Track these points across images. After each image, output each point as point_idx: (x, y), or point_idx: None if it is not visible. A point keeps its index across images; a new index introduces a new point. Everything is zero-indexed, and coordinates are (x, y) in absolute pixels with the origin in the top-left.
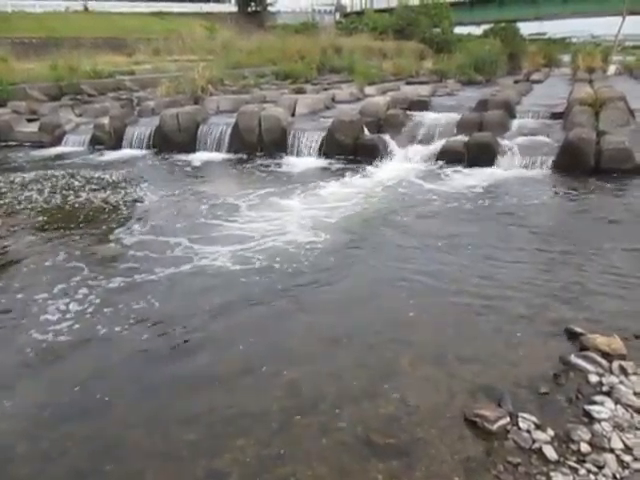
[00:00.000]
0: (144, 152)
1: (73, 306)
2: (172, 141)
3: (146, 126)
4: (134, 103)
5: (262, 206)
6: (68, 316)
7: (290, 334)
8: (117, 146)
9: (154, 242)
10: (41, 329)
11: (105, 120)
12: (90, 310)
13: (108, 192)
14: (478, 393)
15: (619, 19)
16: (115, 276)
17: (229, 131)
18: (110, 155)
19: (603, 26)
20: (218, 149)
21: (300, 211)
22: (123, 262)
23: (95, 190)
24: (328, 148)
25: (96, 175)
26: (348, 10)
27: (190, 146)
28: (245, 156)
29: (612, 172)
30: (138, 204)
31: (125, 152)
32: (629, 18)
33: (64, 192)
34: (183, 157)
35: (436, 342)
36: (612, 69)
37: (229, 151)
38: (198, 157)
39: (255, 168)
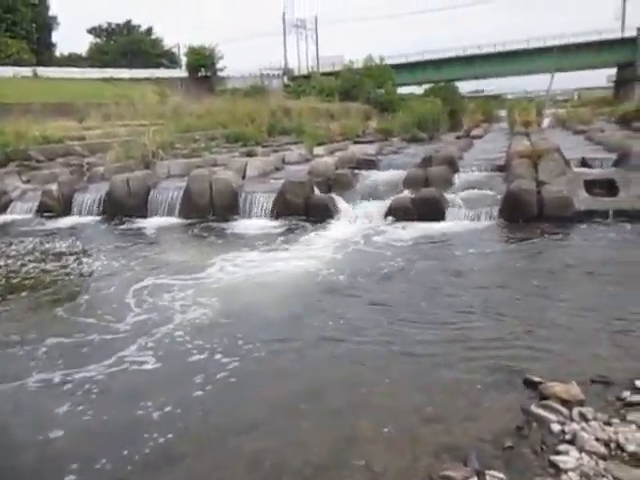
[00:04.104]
0: (94, 218)
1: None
2: (123, 206)
3: (96, 192)
4: (84, 169)
5: (212, 272)
6: None
7: (249, 402)
8: (66, 213)
9: (89, 317)
10: None
11: (53, 186)
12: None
13: (53, 262)
14: (443, 453)
15: (549, 76)
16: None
17: (180, 195)
18: (59, 222)
19: (535, 82)
20: (170, 214)
21: (249, 276)
22: (58, 334)
23: (40, 260)
24: (280, 209)
25: (42, 244)
26: (295, 74)
27: (141, 211)
28: (197, 220)
29: (554, 219)
30: (82, 276)
31: (74, 219)
32: (557, 75)
33: (7, 262)
34: (134, 223)
35: (396, 402)
36: (546, 122)
37: (181, 216)
38: (150, 222)
39: (206, 233)
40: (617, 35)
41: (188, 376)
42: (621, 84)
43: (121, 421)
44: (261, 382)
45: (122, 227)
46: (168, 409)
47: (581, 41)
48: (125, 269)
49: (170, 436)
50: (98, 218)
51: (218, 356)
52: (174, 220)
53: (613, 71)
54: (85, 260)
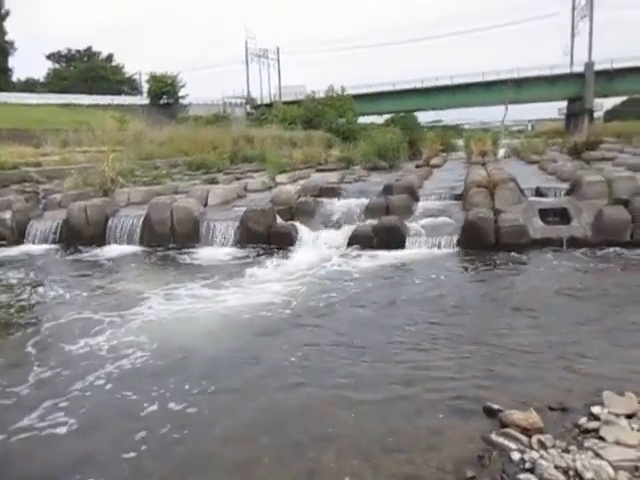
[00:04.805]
0: (50, 247)
1: None
2: (80, 235)
3: (52, 220)
4: (40, 196)
5: (166, 305)
6: None
7: (206, 437)
8: (20, 241)
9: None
10: None
11: (7, 214)
12: None
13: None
14: None
15: (504, 108)
16: None
17: (140, 223)
18: (11, 251)
19: (491, 113)
20: (129, 242)
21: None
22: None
23: None
24: (242, 237)
25: None
26: (258, 102)
27: (99, 240)
28: (156, 249)
29: (510, 247)
30: (32, 308)
31: (29, 247)
32: (511, 107)
33: None
34: (91, 252)
35: (359, 433)
36: (502, 152)
37: (141, 243)
38: (108, 251)
39: (162, 262)
40: (567, 70)
41: (118, 435)
42: (571, 116)
43: None
44: (213, 421)
45: (77, 256)
46: None
47: (534, 75)
48: (63, 302)
49: None
50: (54, 247)
51: (160, 404)
52: (133, 248)
53: (564, 103)
54: (26, 293)
